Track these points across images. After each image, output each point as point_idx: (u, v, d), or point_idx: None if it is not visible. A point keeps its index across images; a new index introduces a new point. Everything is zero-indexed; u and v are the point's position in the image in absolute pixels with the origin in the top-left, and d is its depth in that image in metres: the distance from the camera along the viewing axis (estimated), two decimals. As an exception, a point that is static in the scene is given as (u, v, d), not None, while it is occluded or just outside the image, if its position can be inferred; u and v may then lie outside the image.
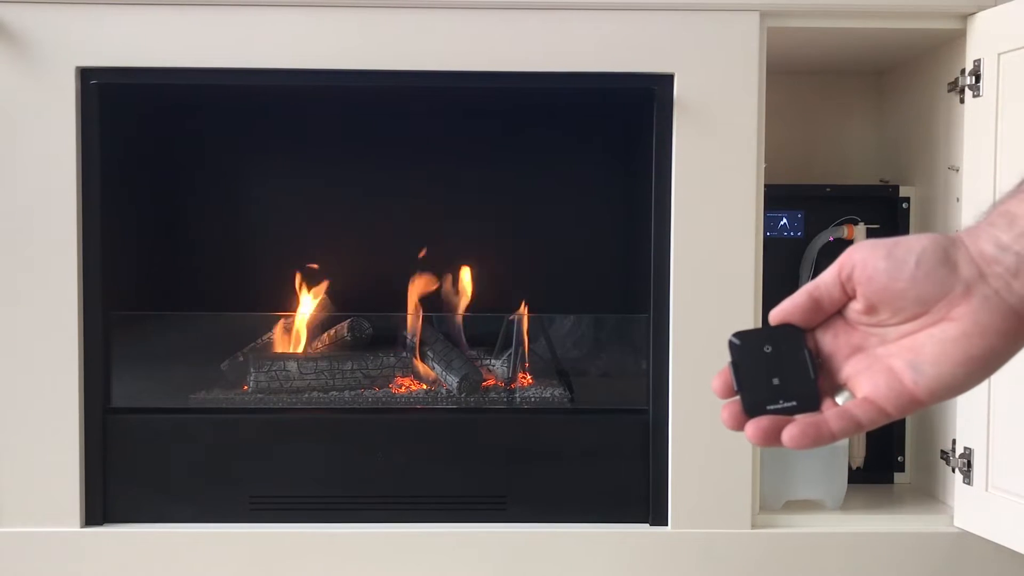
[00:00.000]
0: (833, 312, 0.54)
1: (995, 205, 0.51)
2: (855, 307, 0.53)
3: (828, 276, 0.53)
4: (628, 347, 1.58)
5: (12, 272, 1.42)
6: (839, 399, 0.54)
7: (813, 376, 0.54)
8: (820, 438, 0.51)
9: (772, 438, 0.52)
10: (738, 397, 0.54)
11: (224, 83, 1.45)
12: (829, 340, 0.55)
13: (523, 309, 1.65)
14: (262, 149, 1.81)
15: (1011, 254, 0.48)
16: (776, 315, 0.55)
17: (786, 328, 0.55)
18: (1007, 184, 1.35)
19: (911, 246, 0.50)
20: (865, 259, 0.51)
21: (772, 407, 0.53)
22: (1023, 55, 1.34)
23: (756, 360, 0.54)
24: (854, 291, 0.52)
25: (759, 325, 1.46)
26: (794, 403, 0.53)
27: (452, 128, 1.79)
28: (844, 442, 1.55)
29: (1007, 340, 0.49)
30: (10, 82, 1.41)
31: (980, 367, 0.49)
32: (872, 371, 0.52)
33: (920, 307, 0.50)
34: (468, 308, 1.69)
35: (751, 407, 0.53)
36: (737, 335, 0.55)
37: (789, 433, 0.51)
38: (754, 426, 0.52)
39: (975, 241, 0.50)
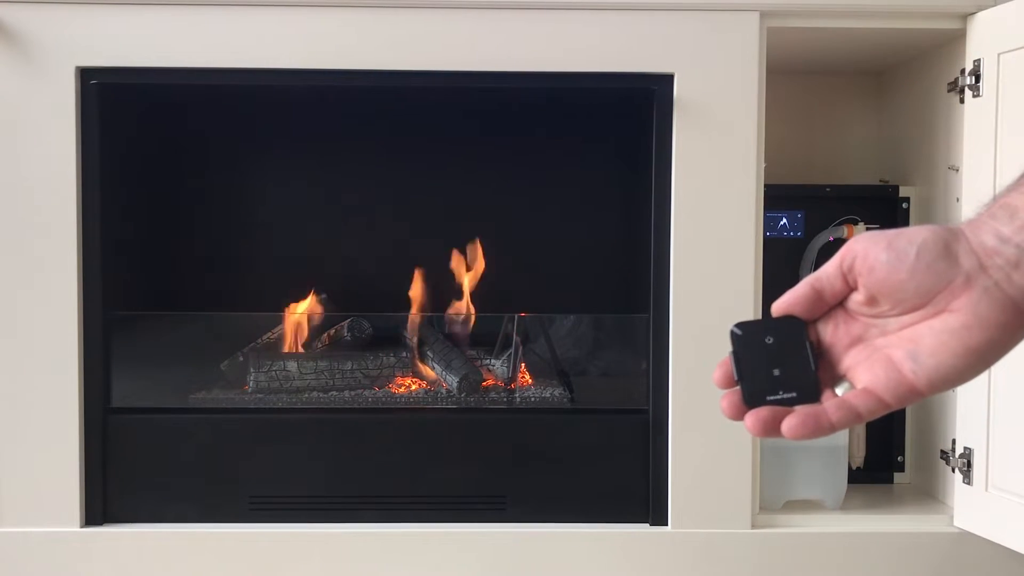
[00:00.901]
0: (835, 303, 0.54)
1: (996, 197, 0.51)
2: (856, 298, 0.53)
3: (830, 268, 0.53)
4: (628, 347, 1.58)
5: (12, 272, 1.42)
6: (838, 390, 0.54)
7: (814, 367, 0.54)
8: (819, 429, 0.51)
9: (771, 429, 0.52)
10: (738, 387, 0.54)
11: (224, 83, 1.45)
12: (830, 331, 0.55)
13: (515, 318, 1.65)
14: (262, 148, 1.81)
15: (1012, 246, 0.49)
16: (778, 307, 0.55)
17: (788, 320, 0.55)
18: (1006, 179, 1.35)
19: (912, 237, 0.51)
20: (866, 250, 0.52)
21: (772, 398, 0.53)
22: (1023, 55, 1.34)
23: (757, 351, 0.54)
24: (855, 282, 0.53)
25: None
26: (794, 394, 0.53)
27: (452, 127, 1.79)
28: (844, 442, 1.55)
29: (1006, 332, 0.49)
30: (10, 82, 1.41)
31: (979, 359, 0.49)
32: (871, 361, 0.52)
33: (920, 298, 0.51)
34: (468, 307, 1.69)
35: (751, 397, 0.53)
36: (739, 325, 0.55)
37: (788, 424, 0.51)
38: (753, 417, 0.52)
39: (976, 233, 0.50)
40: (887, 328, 0.53)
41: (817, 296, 0.54)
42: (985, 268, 0.49)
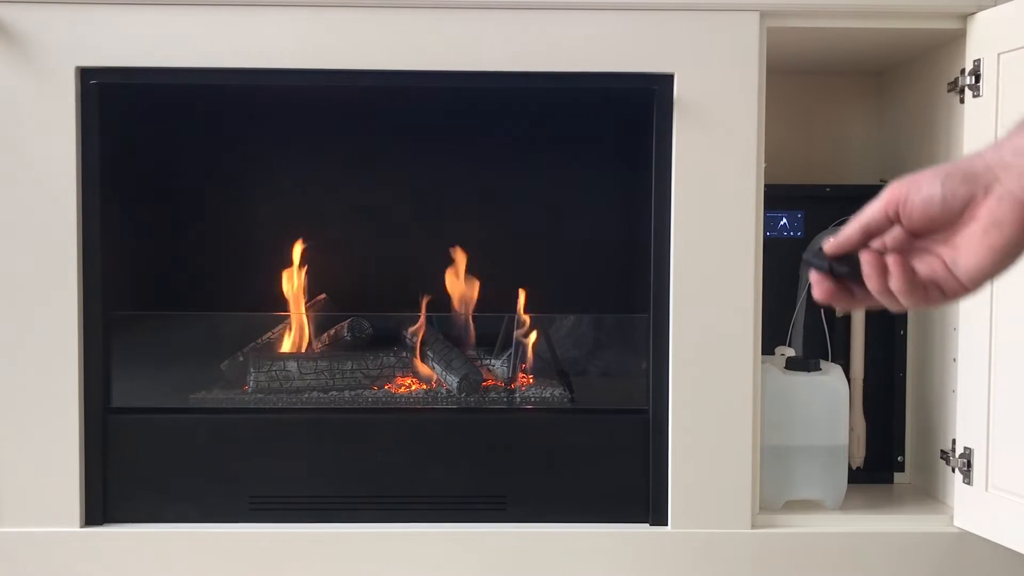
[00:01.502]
0: (878, 236, 0.65)
1: None
2: (909, 228, 0.64)
3: (876, 213, 0.64)
4: (628, 347, 1.58)
5: (12, 272, 1.42)
6: None
7: None
8: (914, 280, 0.62)
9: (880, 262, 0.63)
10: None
11: (224, 83, 1.45)
12: (899, 247, 0.65)
13: (522, 302, 1.64)
14: (262, 148, 1.81)
15: None
16: (833, 247, 0.65)
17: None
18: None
19: (937, 174, 0.61)
20: (906, 196, 0.62)
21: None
22: (1023, 55, 1.34)
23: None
24: (900, 220, 0.63)
25: (759, 324, 1.47)
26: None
27: (453, 128, 1.79)
28: (844, 442, 1.55)
29: (1020, 230, 0.59)
30: (10, 82, 1.41)
31: (1002, 255, 0.60)
32: (928, 259, 0.63)
33: (955, 216, 0.61)
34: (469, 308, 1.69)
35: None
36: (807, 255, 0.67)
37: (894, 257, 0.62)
38: (870, 253, 0.63)
39: (997, 151, 0.60)
40: (936, 239, 0.63)
41: (867, 235, 0.65)
42: (999, 179, 0.59)
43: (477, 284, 1.68)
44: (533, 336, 1.63)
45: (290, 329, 1.66)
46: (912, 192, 0.62)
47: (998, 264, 0.60)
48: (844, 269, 0.64)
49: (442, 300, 1.68)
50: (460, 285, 1.68)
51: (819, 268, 0.65)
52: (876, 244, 0.65)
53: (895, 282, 0.62)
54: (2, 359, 1.43)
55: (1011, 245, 0.59)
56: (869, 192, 1.72)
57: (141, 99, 1.62)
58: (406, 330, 1.64)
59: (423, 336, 1.62)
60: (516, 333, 1.62)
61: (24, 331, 1.42)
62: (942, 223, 0.62)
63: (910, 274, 0.62)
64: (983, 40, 1.41)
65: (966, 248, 0.61)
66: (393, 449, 1.50)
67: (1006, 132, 0.61)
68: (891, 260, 0.63)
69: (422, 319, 1.62)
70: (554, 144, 1.79)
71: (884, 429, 1.70)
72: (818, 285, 0.66)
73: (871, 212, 0.64)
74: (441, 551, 1.46)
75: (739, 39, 1.44)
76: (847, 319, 1.68)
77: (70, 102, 1.41)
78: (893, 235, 0.65)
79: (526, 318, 1.63)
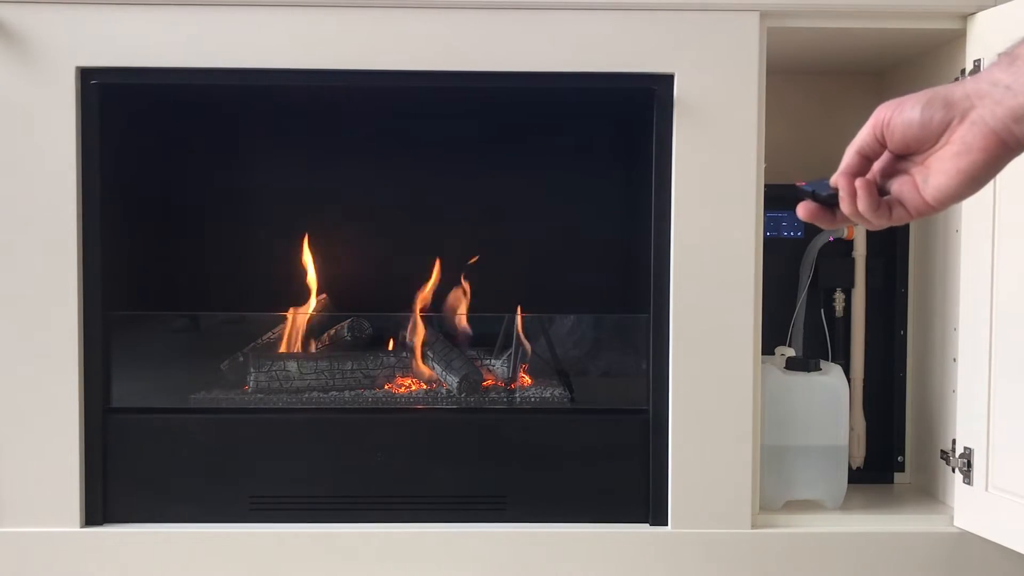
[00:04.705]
0: (876, 159, 0.70)
1: (1007, 50, 0.63)
2: (891, 149, 0.69)
3: (867, 137, 0.69)
4: (628, 347, 1.58)
5: (12, 272, 1.42)
6: None
7: None
8: (877, 200, 0.68)
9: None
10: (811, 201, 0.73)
11: (224, 83, 1.45)
12: (886, 170, 0.71)
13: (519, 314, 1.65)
14: (262, 148, 1.81)
15: (1001, 87, 0.62)
16: (838, 177, 0.70)
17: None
18: (1006, 185, 1.35)
19: (918, 99, 0.66)
20: (889, 119, 0.67)
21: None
22: (1023, 55, 1.34)
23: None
24: (886, 142, 0.68)
25: (759, 324, 1.47)
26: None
27: (453, 128, 1.79)
28: (844, 442, 1.55)
29: (988, 156, 0.63)
30: (10, 82, 1.41)
31: (968, 178, 0.64)
32: (901, 181, 0.69)
33: (934, 139, 0.66)
34: (468, 308, 1.69)
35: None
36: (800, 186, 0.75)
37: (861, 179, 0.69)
38: (844, 178, 0.70)
39: (976, 80, 0.64)
40: (915, 160, 0.68)
41: (865, 160, 0.70)
42: (975, 107, 0.63)
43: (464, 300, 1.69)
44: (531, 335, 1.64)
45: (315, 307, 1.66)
46: (895, 115, 0.67)
47: (964, 187, 0.65)
48: (824, 194, 0.72)
49: (440, 300, 1.69)
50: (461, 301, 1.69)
51: (805, 194, 0.74)
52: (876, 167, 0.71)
53: (860, 202, 0.68)
54: (2, 359, 1.43)
55: (978, 169, 0.64)
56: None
57: (142, 99, 1.62)
58: (406, 330, 1.64)
59: (423, 336, 1.62)
60: (516, 333, 1.62)
61: (24, 331, 1.42)
62: (920, 145, 0.66)
63: (875, 196, 0.68)
64: (983, 40, 1.41)
65: (937, 169, 0.65)
66: (393, 449, 1.50)
67: (995, 57, 0.65)
68: (859, 183, 0.68)
69: (420, 312, 1.62)
70: (554, 144, 1.79)
71: (884, 429, 1.70)
72: (803, 207, 0.73)
73: (862, 135, 0.70)
74: (441, 551, 1.46)
75: (739, 39, 1.44)
76: (847, 319, 1.68)
77: (70, 102, 1.41)
78: (881, 157, 0.70)
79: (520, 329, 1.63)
